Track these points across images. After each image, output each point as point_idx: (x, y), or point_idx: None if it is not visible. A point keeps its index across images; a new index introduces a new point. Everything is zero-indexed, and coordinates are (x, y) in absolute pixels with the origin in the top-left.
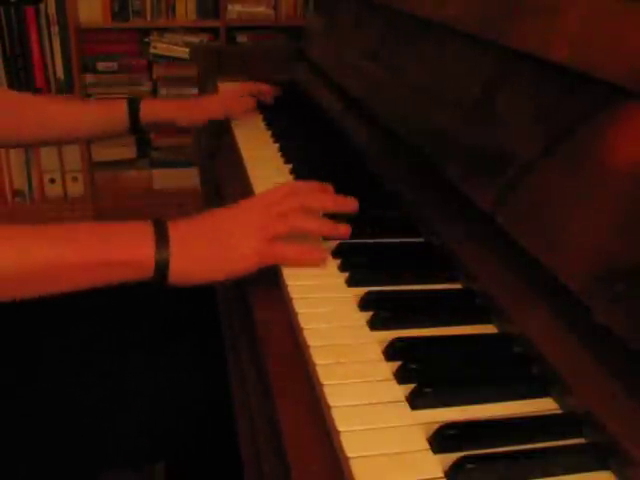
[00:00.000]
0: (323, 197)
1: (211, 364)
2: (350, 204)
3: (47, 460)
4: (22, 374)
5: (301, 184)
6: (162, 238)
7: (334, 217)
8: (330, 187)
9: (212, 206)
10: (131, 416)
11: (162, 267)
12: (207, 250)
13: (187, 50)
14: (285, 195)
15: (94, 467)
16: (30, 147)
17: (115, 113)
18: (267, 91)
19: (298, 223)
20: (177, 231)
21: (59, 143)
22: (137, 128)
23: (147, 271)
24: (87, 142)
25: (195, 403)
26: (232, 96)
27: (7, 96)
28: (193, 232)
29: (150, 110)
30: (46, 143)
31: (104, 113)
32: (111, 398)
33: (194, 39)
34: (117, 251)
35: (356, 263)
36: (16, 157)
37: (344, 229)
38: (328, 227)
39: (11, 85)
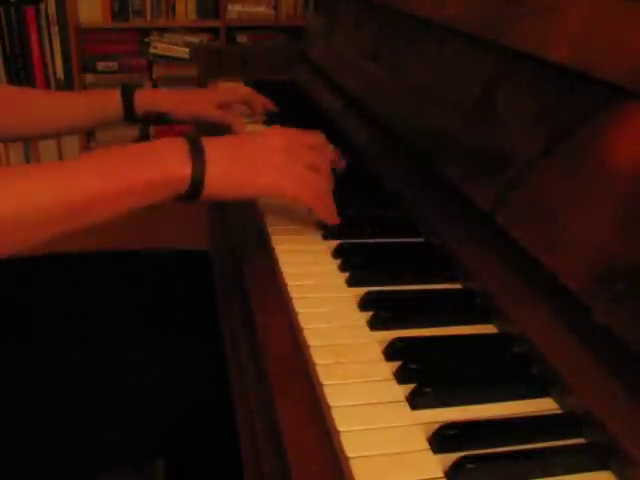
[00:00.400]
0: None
1: (211, 363)
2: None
3: (46, 460)
4: (20, 373)
5: (318, 141)
6: (197, 152)
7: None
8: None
9: (212, 206)
10: (130, 415)
11: (197, 182)
12: (241, 165)
13: (187, 50)
14: (309, 144)
15: (93, 467)
16: (28, 140)
17: (109, 102)
18: (266, 103)
19: (318, 177)
20: (211, 145)
21: (57, 135)
22: (133, 117)
23: (183, 186)
24: (86, 132)
25: (195, 402)
26: (226, 114)
27: (2, 90)
28: (227, 147)
29: (144, 100)
30: (43, 136)
31: (98, 103)
32: (110, 397)
33: (194, 39)
34: (154, 171)
35: (356, 263)
36: (16, 157)
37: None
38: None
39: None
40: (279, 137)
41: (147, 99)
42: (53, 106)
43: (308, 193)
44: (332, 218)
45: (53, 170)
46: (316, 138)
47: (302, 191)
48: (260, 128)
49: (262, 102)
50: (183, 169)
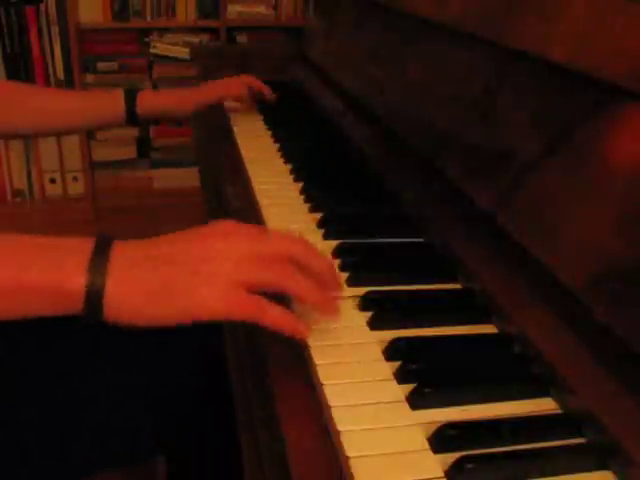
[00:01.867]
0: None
1: (211, 361)
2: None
3: (44, 458)
4: (18, 372)
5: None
6: (100, 256)
7: None
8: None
9: (212, 206)
10: (130, 413)
11: (94, 296)
12: (161, 282)
13: (187, 50)
14: (274, 241)
15: (92, 465)
16: (28, 138)
17: (112, 104)
18: (266, 90)
19: (286, 279)
20: (122, 251)
21: (57, 134)
22: (134, 119)
23: (75, 301)
24: (86, 132)
25: (194, 400)
26: (229, 80)
27: (1, 86)
28: (144, 254)
29: (146, 101)
30: (43, 134)
31: (101, 104)
32: (109, 395)
33: (194, 39)
34: (35, 271)
35: (356, 263)
36: (16, 157)
37: (334, 307)
38: (321, 300)
39: None
40: (224, 237)
41: (149, 101)
42: (54, 104)
43: (245, 308)
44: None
45: None
46: (258, 230)
47: (251, 308)
48: (261, 128)
49: (267, 89)
50: (76, 278)
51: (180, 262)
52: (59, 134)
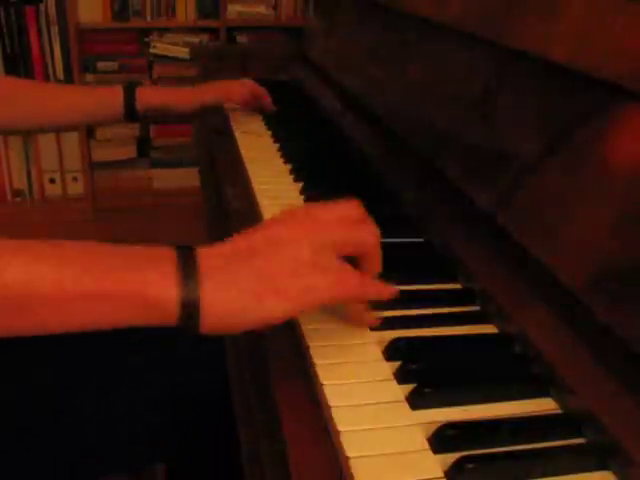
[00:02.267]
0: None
1: (211, 365)
2: (385, 291)
3: (45, 463)
4: (20, 377)
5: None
6: (189, 267)
7: None
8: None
9: (212, 206)
10: (130, 419)
11: (191, 308)
12: (248, 284)
13: (187, 50)
14: (339, 221)
15: (92, 470)
16: (28, 135)
17: (111, 100)
18: (267, 99)
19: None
20: (207, 257)
21: (55, 129)
22: (133, 115)
23: (167, 314)
24: (85, 131)
25: (194, 405)
26: (231, 84)
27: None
28: (229, 259)
29: (146, 97)
30: (41, 129)
31: (100, 99)
32: (109, 400)
33: (194, 39)
34: (128, 285)
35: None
36: (16, 157)
37: (391, 290)
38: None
39: None
40: (300, 232)
41: (150, 96)
42: (52, 99)
43: (345, 291)
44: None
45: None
46: (350, 208)
47: (338, 292)
48: (261, 128)
49: (267, 100)
50: (167, 289)
51: (269, 256)
52: (57, 129)
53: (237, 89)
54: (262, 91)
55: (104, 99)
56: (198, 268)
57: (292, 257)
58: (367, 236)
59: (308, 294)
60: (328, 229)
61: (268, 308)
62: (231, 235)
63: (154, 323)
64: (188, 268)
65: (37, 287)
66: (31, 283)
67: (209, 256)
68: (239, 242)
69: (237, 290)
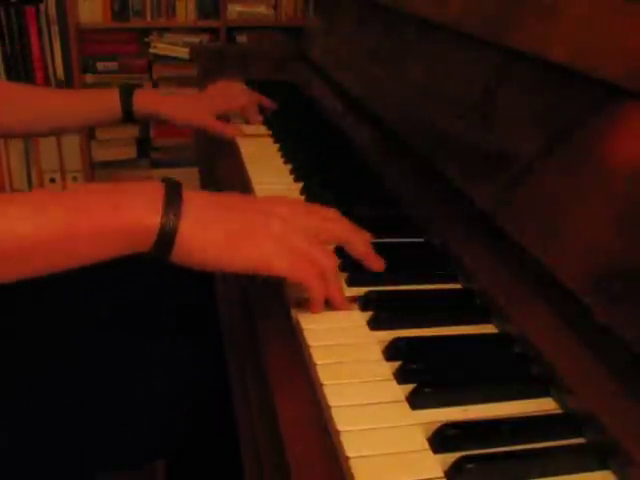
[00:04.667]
0: (360, 237)
1: (211, 363)
2: (376, 263)
3: (45, 460)
4: (19, 372)
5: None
6: (173, 200)
7: None
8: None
9: None
10: (130, 415)
11: (167, 235)
12: (224, 225)
13: (187, 50)
14: (321, 218)
15: (93, 467)
16: (23, 138)
17: (107, 103)
18: (266, 102)
19: (327, 256)
20: (192, 196)
21: (50, 134)
22: (131, 117)
23: (147, 239)
24: (87, 131)
25: (195, 402)
26: (229, 93)
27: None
28: (211, 202)
29: (143, 102)
30: (36, 134)
31: (95, 103)
32: (110, 397)
33: (194, 39)
34: (108, 215)
35: (356, 263)
36: (16, 157)
37: (379, 263)
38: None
39: None
40: (283, 204)
41: (146, 102)
42: (49, 104)
43: (306, 272)
44: (340, 301)
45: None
46: (329, 211)
47: (299, 270)
48: (261, 128)
49: (259, 103)
50: (151, 217)
51: (249, 214)
52: (53, 134)
53: (235, 96)
54: (258, 96)
55: (99, 102)
56: (181, 203)
57: (263, 225)
58: (338, 229)
59: (264, 263)
60: (305, 217)
61: (228, 258)
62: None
63: (131, 250)
64: (172, 201)
65: (42, 234)
66: (35, 228)
67: (194, 197)
68: (225, 197)
69: (210, 231)
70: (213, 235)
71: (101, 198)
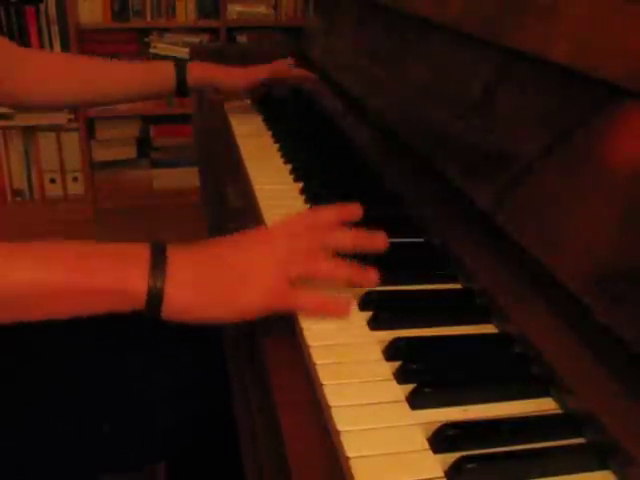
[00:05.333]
0: (348, 235)
1: (211, 364)
2: (378, 241)
3: (45, 461)
4: (22, 375)
5: (322, 213)
6: (158, 262)
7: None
8: (355, 209)
9: (212, 206)
10: (130, 417)
11: (155, 299)
12: (211, 283)
13: (187, 50)
14: (307, 228)
15: (93, 469)
16: (79, 108)
17: (162, 74)
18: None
19: (323, 267)
20: (177, 257)
21: (103, 104)
22: (184, 90)
23: (138, 301)
24: (86, 127)
25: (195, 403)
26: (279, 63)
27: (54, 57)
28: (196, 260)
29: (197, 73)
30: (89, 104)
31: (151, 74)
32: (110, 399)
33: (194, 39)
34: (102, 276)
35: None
36: (16, 157)
37: (374, 276)
38: (356, 274)
39: None
40: (278, 236)
41: (200, 70)
42: (101, 74)
43: (311, 303)
44: (368, 284)
45: (4, 251)
46: (329, 213)
47: (301, 306)
48: (262, 127)
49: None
50: (139, 283)
51: (228, 266)
52: (106, 104)
53: (280, 62)
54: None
55: (155, 74)
56: (166, 266)
57: (257, 269)
58: (341, 239)
59: (264, 305)
60: (305, 236)
61: (211, 311)
62: (231, 234)
63: (127, 308)
64: (157, 265)
65: (40, 285)
66: (36, 282)
67: (179, 256)
68: (213, 247)
69: (197, 289)
70: (198, 294)
71: (97, 261)
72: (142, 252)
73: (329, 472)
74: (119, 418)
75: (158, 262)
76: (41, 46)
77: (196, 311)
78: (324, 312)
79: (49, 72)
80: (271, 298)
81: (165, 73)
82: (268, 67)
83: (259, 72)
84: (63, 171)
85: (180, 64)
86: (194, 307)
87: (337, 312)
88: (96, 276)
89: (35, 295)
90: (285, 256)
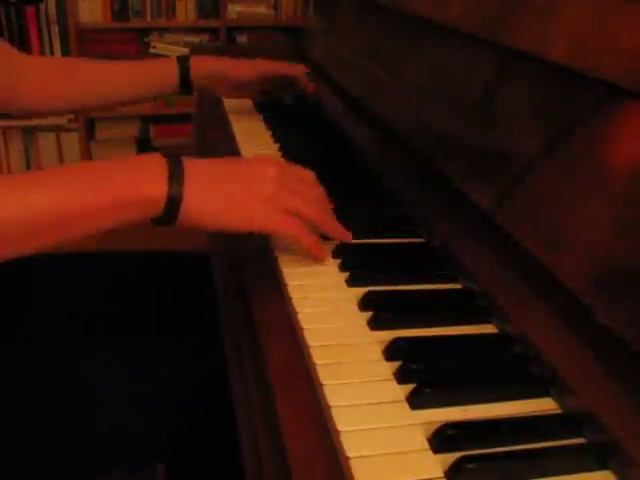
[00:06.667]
0: (327, 217)
1: (211, 364)
2: (339, 230)
3: (45, 462)
4: (19, 374)
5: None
6: (176, 172)
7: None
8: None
9: None
10: (130, 417)
11: (174, 203)
12: (226, 191)
13: (187, 50)
14: (300, 179)
15: (92, 470)
16: (81, 112)
17: (164, 72)
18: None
19: (311, 208)
20: (193, 164)
21: (106, 107)
22: (188, 87)
23: (157, 208)
24: (85, 127)
25: (195, 405)
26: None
27: (55, 62)
28: (211, 169)
29: (200, 66)
30: (92, 107)
31: (152, 73)
32: (110, 399)
33: (194, 39)
34: (126, 189)
35: (356, 263)
36: (16, 157)
37: (348, 234)
38: (335, 226)
39: None
40: (271, 166)
41: (205, 62)
42: (103, 75)
43: (300, 230)
44: (322, 254)
45: (16, 181)
46: (307, 174)
47: (293, 228)
48: (262, 126)
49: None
50: (159, 188)
51: (243, 179)
52: (107, 108)
53: (292, 64)
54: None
55: (156, 72)
56: (183, 172)
57: (256, 190)
58: (315, 196)
59: (258, 222)
60: (290, 179)
61: (227, 220)
62: (229, 237)
63: (143, 217)
64: (175, 171)
65: (67, 209)
66: (57, 206)
67: (194, 167)
68: (221, 163)
69: (210, 197)
70: (213, 200)
71: (117, 173)
72: (159, 161)
73: (329, 472)
74: (117, 418)
75: (175, 169)
76: (41, 46)
77: (211, 216)
78: (310, 246)
79: (49, 79)
80: (276, 215)
81: (166, 71)
82: (280, 64)
83: (269, 66)
84: None
85: (183, 59)
86: (210, 212)
87: (319, 253)
88: (115, 190)
89: (62, 216)
90: (280, 188)
